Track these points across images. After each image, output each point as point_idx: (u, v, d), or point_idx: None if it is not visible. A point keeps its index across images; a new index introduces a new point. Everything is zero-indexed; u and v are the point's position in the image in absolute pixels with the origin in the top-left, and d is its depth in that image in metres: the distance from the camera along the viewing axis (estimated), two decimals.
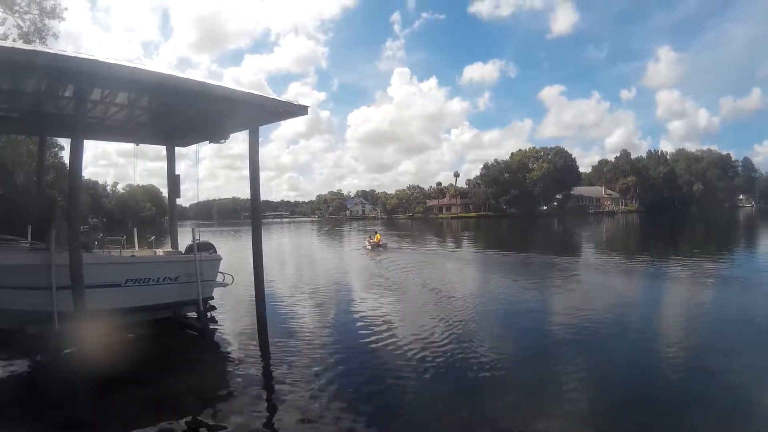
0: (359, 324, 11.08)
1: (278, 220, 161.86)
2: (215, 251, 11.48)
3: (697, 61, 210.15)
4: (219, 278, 11.47)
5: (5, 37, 26.27)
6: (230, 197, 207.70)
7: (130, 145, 13.41)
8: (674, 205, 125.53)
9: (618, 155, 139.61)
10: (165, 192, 14.77)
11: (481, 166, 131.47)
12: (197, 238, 10.67)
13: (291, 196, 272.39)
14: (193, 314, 10.60)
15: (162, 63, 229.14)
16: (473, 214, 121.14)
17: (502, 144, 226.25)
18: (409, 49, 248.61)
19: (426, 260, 25.21)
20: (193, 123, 11.93)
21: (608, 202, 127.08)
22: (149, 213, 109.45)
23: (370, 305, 13.21)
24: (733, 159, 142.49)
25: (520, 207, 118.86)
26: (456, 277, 19.71)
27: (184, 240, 12.24)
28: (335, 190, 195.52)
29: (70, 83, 8.62)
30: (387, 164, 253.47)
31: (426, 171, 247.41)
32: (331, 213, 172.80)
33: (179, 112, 11.30)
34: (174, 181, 13.59)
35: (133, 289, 9.67)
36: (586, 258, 26.28)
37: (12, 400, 7.02)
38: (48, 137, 18.63)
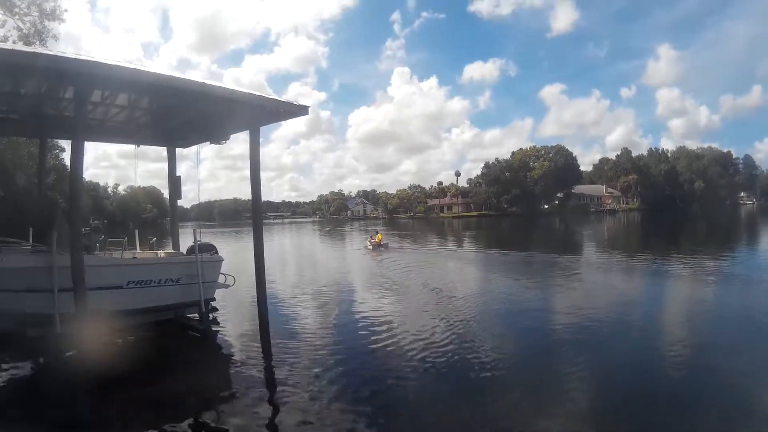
0: (361, 324, 11.07)
1: (279, 220, 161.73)
2: (217, 252, 11.48)
3: (697, 59, 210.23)
4: (221, 279, 11.47)
5: (5, 39, 26.30)
6: (231, 198, 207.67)
7: (130, 147, 13.45)
8: (675, 203, 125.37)
9: (619, 153, 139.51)
10: (166, 193, 14.80)
11: (482, 165, 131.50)
12: (198, 239, 10.66)
13: (292, 197, 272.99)
14: (194, 315, 10.59)
15: (162, 64, 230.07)
16: (474, 213, 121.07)
17: (503, 143, 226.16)
18: (409, 48, 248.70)
19: (427, 260, 25.18)
20: (193, 124, 11.94)
21: (609, 201, 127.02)
22: (150, 214, 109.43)
23: (372, 305, 13.21)
24: (734, 156, 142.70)
25: (522, 206, 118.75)
26: (457, 276, 19.68)
27: (186, 241, 12.23)
28: (336, 191, 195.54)
29: (70, 85, 8.64)
30: (388, 164, 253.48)
31: (427, 170, 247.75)
32: (333, 213, 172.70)
33: (180, 113, 11.32)
34: (175, 183, 13.60)
35: (135, 291, 9.68)
36: (588, 257, 26.25)
37: (14, 402, 7.04)
38: (49, 139, 18.68)
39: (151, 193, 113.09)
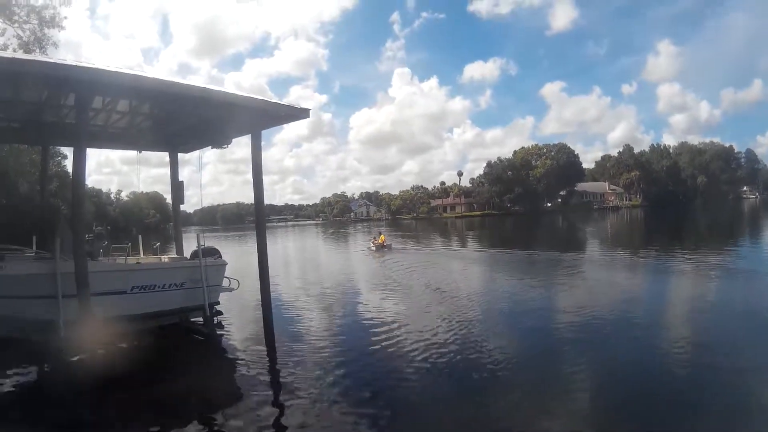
0: (364, 326, 11.08)
1: (283, 223, 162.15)
2: (220, 256, 11.49)
3: (697, 53, 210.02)
4: (225, 283, 11.49)
5: (5, 47, 26.39)
6: (234, 202, 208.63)
7: (133, 153, 13.47)
8: (678, 199, 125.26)
9: (621, 150, 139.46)
10: (169, 198, 14.79)
11: (485, 164, 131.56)
12: (202, 243, 10.68)
13: (295, 200, 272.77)
14: (199, 320, 10.61)
15: (162, 69, 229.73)
16: (477, 212, 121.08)
17: (505, 142, 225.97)
18: (409, 49, 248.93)
19: (430, 260, 25.18)
20: (195, 129, 11.96)
21: (612, 198, 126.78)
22: (153, 220, 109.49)
23: (375, 306, 13.22)
24: (735, 151, 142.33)
25: (524, 204, 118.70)
26: (460, 276, 19.66)
27: (189, 246, 12.28)
28: (339, 193, 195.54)
29: (71, 92, 8.66)
30: (390, 165, 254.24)
31: (429, 171, 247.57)
32: (336, 215, 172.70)
33: (181, 119, 11.33)
34: (177, 188, 13.62)
35: (139, 296, 9.69)
36: (591, 254, 26.23)
37: (19, 406, 7.07)
38: (50, 146, 18.71)
39: (154, 199, 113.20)
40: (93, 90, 8.31)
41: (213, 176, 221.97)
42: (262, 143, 10.97)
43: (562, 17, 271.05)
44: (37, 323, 8.39)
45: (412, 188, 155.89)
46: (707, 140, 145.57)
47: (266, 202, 11.80)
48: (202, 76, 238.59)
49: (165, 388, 7.56)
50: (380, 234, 34.28)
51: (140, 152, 13.40)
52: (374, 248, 31.08)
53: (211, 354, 9.64)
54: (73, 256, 8.20)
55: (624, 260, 22.34)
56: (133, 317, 9.56)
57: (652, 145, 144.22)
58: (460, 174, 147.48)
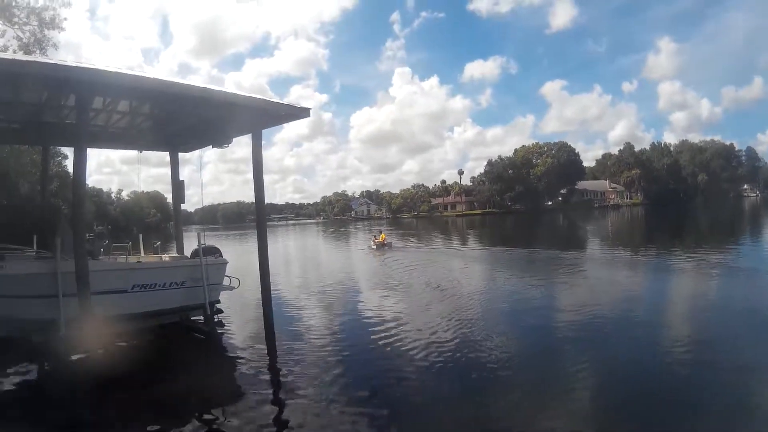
0: (365, 324, 11.10)
1: (283, 222, 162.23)
2: (221, 255, 11.52)
3: (697, 51, 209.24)
4: (225, 282, 11.53)
5: (5, 48, 26.40)
6: (235, 201, 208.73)
7: (133, 153, 13.52)
8: (679, 197, 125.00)
9: (621, 148, 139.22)
10: (170, 198, 14.84)
11: (485, 163, 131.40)
12: (203, 242, 10.71)
13: (296, 199, 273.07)
14: (199, 318, 10.65)
15: (163, 70, 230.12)
16: (478, 211, 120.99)
17: (506, 140, 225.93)
18: (409, 48, 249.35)
19: (431, 258, 25.20)
20: (195, 128, 11.98)
21: (613, 196, 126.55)
22: (154, 219, 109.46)
23: (376, 305, 13.24)
24: (736, 149, 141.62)
25: (525, 203, 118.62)
26: (461, 274, 19.64)
27: (190, 245, 12.30)
28: (340, 191, 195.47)
29: (71, 92, 8.67)
30: (391, 164, 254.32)
31: (430, 170, 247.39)
32: (336, 214, 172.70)
33: (181, 118, 11.35)
34: (178, 187, 13.65)
35: (140, 295, 9.73)
36: (592, 252, 26.26)
37: (19, 405, 7.09)
38: (51, 146, 18.74)
39: (155, 198, 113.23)
40: (93, 91, 8.33)
41: (213, 175, 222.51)
42: (263, 142, 10.99)
43: (562, 15, 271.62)
44: (38, 323, 8.42)
45: (413, 187, 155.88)
46: (708, 138, 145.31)
47: (267, 201, 11.80)
48: (202, 76, 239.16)
49: (165, 386, 7.59)
50: (381, 232, 34.30)
51: (141, 152, 13.45)
52: (375, 247, 31.11)
53: (212, 353, 9.67)
54: (73, 255, 8.22)
55: (625, 258, 22.35)
56: (134, 316, 9.60)
57: (653, 143, 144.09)
58: (460, 173, 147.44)
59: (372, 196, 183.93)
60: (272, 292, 10.77)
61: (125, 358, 7.98)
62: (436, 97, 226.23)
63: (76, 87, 7.95)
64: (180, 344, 10.15)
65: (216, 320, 10.97)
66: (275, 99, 11.10)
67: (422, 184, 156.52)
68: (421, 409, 6.62)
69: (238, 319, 11.91)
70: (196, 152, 14.20)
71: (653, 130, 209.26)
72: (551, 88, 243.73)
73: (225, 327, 11.20)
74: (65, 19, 28.89)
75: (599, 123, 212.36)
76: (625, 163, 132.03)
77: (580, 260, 21.79)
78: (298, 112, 10.59)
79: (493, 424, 6.11)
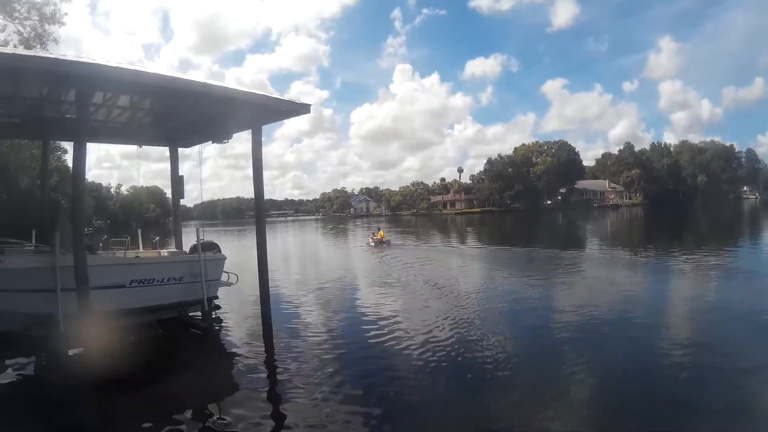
0: (363, 321, 11.13)
1: (283, 218, 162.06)
2: (220, 251, 11.53)
3: (698, 51, 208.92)
4: (224, 277, 11.53)
5: (6, 43, 26.32)
6: (234, 197, 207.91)
7: (133, 147, 13.48)
8: (678, 198, 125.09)
9: (621, 148, 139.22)
10: (169, 193, 14.84)
11: (485, 161, 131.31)
12: (201, 238, 10.72)
13: (295, 195, 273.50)
14: (197, 314, 10.65)
15: (163, 65, 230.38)
16: (477, 209, 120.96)
17: (506, 139, 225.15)
18: (410, 45, 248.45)
19: (429, 256, 25.24)
20: (195, 124, 11.98)
21: (612, 196, 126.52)
22: (153, 214, 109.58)
23: (374, 302, 13.27)
24: (736, 150, 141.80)
25: (525, 202, 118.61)
26: (459, 273, 19.66)
27: (189, 240, 12.31)
28: (339, 188, 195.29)
29: (72, 87, 8.66)
30: (391, 161, 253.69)
31: (430, 167, 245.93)
32: (336, 211, 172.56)
33: (181, 114, 11.36)
34: (178, 182, 13.66)
35: (138, 290, 9.73)
36: (591, 252, 26.29)
37: (17, 400, 7.11)
38: (51, 141, 18.74)
39: (154, 193, 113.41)
40: (94, 85, 8.32)
41: (213, 171, 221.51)
42: (263, 138, 11.00)
43: (563, 14, 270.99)
44: (36, 317, 8.44)
45: (412, 184, 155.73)
46: (708, 139, 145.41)
47: (266, 197, 11.84)
48: (203, 72, 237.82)
49: (162, 382, 7.61)
50: (379, 230, 34.41)
51: (140, 147, 13.42)
52: (373, 244, 31.15)
53: (209, 349, 9.70)
54: (72, 249, 8.23)
55: (624, 259, 22.39)
56: (132, 311, 9.61)
57: (653, 143, 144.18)
58: (460, 170, 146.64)
59: (371, 193, 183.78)
60: (270, 289, 10.77)
61: (123, 354, 7.97)
62: (437, 95, 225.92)
63: (76, 82, 7.94)
64: (178, 340, 10.17)
65: (214, 316, 10.98)
66: (276, 95, 11.12)
67: (422, 182, 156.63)
68: (417, 408, 6.63)
69: (236, 316, 11.93)
70: (196, 147, 14.22)
71: (653, 130, 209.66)
72: (552, 87, 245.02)
73: (223, 323, 11.23)
74: (66, 14, 28.95)
75: (600, 122, 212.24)
76: (625, 163, 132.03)
77: (579, 260, 21.82)
78: (298, 108, 10.59)
79: (490, 424, 6.12)
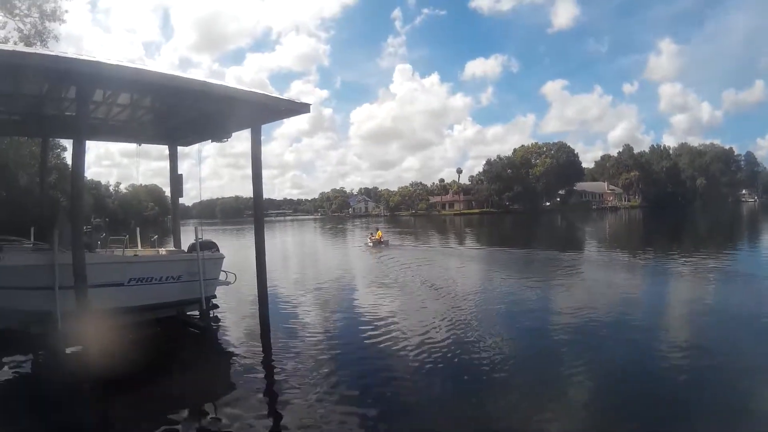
0: (360, 322, 11.11)
1: (281, 218, 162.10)
2: (218, 250, 11.53)
3: (698, 53, 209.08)
4: (222, 277, 11.53)
5: (6, 40, 26.30)
6: (233, 196, 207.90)
7: (132, 146, 13.50)
8: (677, 201, 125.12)
9: (620, 150, 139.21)
10: (168, 191, 14.86)
11: (484, 162, 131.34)
12: (200, 236, 10.72)
13: (294, 194, 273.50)
14: (195, 313, 10.65)
15: (164, 63, 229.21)
16: (476, 210, 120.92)
17: (505, 139, 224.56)
18: (410, 45, 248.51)
19: (427, 257, 25.23)
20: (195, 122, 11.99)
21: (611, 198, 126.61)
22: (152, 212, 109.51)
23: (371, 303, 13.28)
24: (735, 153, 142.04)
25: (523, 203, 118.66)
26: (457, 274, 19.69)
27: (187, 239, 12.31)
28: (338, 188, 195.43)
29: (72, 85, 8.67)
30: (390, 161, 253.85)
31: (429, 167, 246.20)
32: (334, 211, 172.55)
33: (181, 112, 11.37)
34: (177, 181, 13.67)
35: (136, 288, 9.74)
36: (589, 254, 26.28)
37: (15, 398, 7.10)
38: (51, 139, 18.73)
39: (153, 192, 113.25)
40: (94, 83, 8.33)
41: (212, 170, 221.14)
42: (262, 137, 11.02)
43: (564, 15, 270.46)
44: (35, 314, 8.44)
45: (412, 185, 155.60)
46: (707, 142, 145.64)
47: (265, 196, 11.84)
48: (203, 71, 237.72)
49: (160, 380, 7.61)
50: (377, 230, 34.40)
51: (140, 145, 13.43)
52: (371, 244, 31.13)
53: (207, 347, 9.70)
54: (71, 247, 8.23)
55: (622, 261, 22.40)
56: (130, 309, 9.62)
57: (652, 145, 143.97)
58: (459, 171, 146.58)
59: (370, 194, 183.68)
60: (268, 288, 10.79)
61: (120, 352, 7.96)
62: (437, 95, 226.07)
63: (76, 79, 7.95)
64: (175, 339, 10.16)
65: (212, 315, 10.98)
66: (275, 94, 11.13)
67: (421, 182, 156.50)
68: (413, 408, 6.62)
69: (233, 315, 11.92)
70: (196, 146, 14.23)
71: (653, 132, 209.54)
72: (552, 88, 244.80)
73: (221, 322, 11.23)
74: (66, 11, 28.89)
75: (599, 124, 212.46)
76: (624, 165, 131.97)
77: (577, 262, 21.84)
78: (298, 108, 10.60)
79: (487, 425, 6.11)
